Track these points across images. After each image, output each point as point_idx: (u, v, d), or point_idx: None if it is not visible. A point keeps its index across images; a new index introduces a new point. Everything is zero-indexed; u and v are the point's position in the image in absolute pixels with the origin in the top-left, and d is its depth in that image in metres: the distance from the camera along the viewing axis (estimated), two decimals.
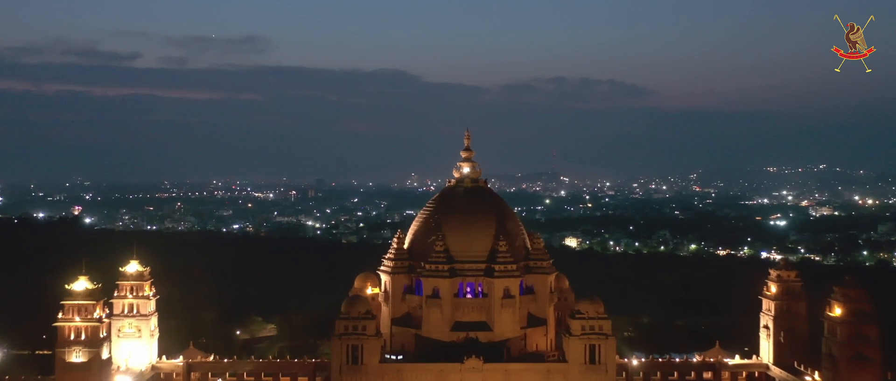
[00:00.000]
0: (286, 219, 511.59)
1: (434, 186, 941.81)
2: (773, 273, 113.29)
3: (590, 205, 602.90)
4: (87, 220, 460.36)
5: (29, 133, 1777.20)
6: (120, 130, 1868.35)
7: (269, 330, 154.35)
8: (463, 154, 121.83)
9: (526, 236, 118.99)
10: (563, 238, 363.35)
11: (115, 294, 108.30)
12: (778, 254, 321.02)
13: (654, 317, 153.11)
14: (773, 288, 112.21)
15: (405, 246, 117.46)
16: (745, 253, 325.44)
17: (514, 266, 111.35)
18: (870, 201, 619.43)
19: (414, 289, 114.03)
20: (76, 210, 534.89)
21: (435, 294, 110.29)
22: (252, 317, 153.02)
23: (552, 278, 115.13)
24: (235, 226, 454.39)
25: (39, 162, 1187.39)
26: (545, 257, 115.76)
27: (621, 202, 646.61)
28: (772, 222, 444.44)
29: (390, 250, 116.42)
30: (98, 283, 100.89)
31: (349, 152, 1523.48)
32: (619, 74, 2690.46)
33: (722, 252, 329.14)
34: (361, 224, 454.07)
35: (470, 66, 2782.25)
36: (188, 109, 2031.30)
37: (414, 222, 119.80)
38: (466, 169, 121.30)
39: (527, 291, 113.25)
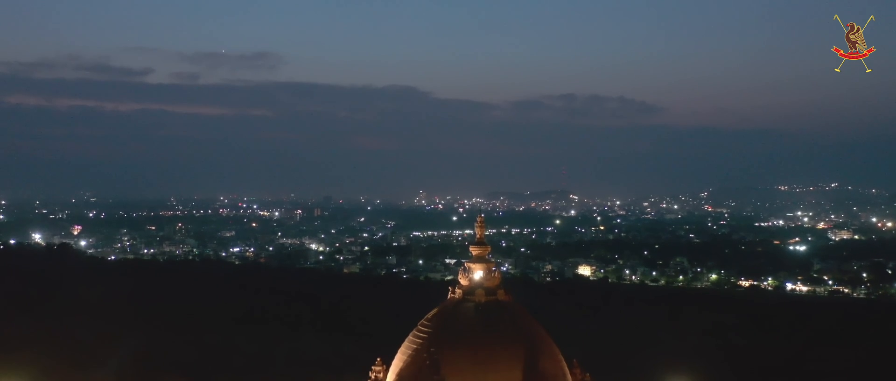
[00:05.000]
0: (290, 241, 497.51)
1: (442, 205, 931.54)
2: None
3: (602, 228, 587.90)
4: (83, 242, 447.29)
5: (39, 148, 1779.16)
6: (130, 146, 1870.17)
7: None
8: (474, 251, 68.55)
9: (567, 374, 71.60)
10: (576, 266, 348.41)
11: None
12: (804, 286, 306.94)
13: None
14: None
15: None
16: (769, 285, 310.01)
17: None
18: (889, 224, 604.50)
19: None
20: (76, 230, 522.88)
21: None
22: None
23: None
24: (236, 249, 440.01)
25: (47, 177, 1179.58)
26: None
27: (634, 224, 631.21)
28: (791, 248, 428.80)
29: None
30: None
31: (357, 169, 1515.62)
32: (628, 91, 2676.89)
33: (744, 283, 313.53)
34: (366, 248, 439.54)
35: (479, 82, 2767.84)
36: (199, 125, 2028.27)
37: (400, 351, 66.47)
38: (479, 274, 68.15)
39: None
